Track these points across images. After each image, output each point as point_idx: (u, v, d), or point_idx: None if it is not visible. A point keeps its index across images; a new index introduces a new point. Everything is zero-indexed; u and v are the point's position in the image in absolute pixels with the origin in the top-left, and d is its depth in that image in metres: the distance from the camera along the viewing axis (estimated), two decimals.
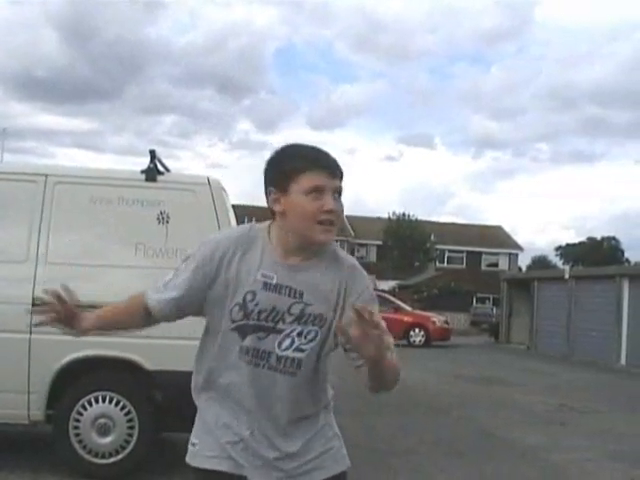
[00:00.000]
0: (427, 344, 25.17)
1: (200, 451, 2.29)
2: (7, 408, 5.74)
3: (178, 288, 2.24)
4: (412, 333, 25.35)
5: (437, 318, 26.54)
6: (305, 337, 2.20)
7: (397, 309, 26.09)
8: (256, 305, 2.18)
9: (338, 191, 2.19)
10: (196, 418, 2.35)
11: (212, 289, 2.22)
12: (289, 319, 2.19)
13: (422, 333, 25.54)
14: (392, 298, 28.05)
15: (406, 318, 25.73)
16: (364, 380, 2.12)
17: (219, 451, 2.25)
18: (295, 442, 2.26)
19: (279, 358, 2.19)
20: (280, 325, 2.19)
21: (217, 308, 2.23)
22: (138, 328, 2.41)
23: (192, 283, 2.22)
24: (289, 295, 2.19)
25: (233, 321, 2.20)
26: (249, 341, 2.19)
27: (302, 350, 2.20)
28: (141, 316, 2.33)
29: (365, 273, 2.33)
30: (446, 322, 26.83)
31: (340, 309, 2.22)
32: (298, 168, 2.16)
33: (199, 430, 2.32)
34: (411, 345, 24.86)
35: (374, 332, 1.94)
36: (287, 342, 2.19)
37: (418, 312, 27.29)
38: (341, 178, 2.21)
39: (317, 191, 2.14)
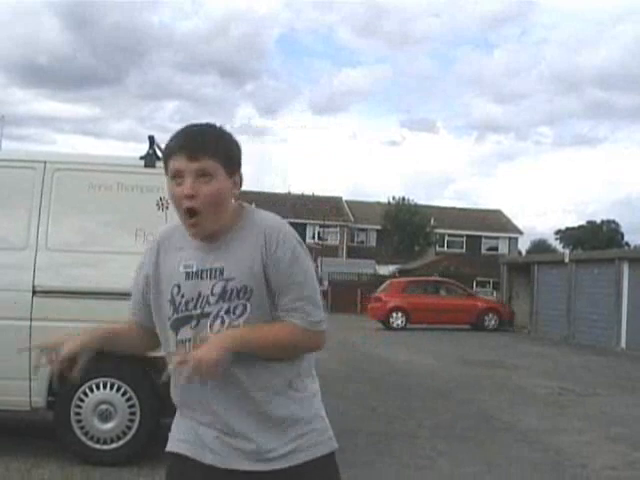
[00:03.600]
0: (499, 328, 26.48)
1: (172, 435, 2.27)
2: (9, 395, 5.76)
3: (136, 293, 2.33)
4: (486, 318, 26.68)
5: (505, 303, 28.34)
6: (234, 313, 2.12)
7: (470, 295, 27.93)
8: (182, 297, 2.16)
9: (203, 172, 2.07)
10: None
11: (149, 292, 2.27)
12: (213, 300, 2.14)
13: (495, 317, 26.85)
14: (462, 285, 29.13)
15: (480, 304, 27.29)
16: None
17: (190, 435, 2.21)
18: (265, 425, 2.16)
19: None
20: (207, 308, 2.14)
21: (154, 310, 2.26)
22: (146, 348, 2.42)
23: (140, 290, 2.31)
24: (210, 277, 2.15)
25: (168, 319, 2.19)
26: (183, 334, 2.16)
27: (235, 326, 2.12)
28: (139, 333, 2.36)
29: (285, 232, 2.17)
30: (511, 306, 28.09)
31: (267, 278, 2.13)
32: (166, 153, 2.13)
33: (176, 414, 2.34)
34: (485, 329, 26.14)
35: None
36: (218, 323, 2.13)
37: (488, 298, 29.08)
38: (216, 158, 2.09)
39: (178, 176, 2.09)
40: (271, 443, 2.15)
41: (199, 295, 2.14)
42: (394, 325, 26.05)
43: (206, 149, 2.08)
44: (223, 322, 2.13)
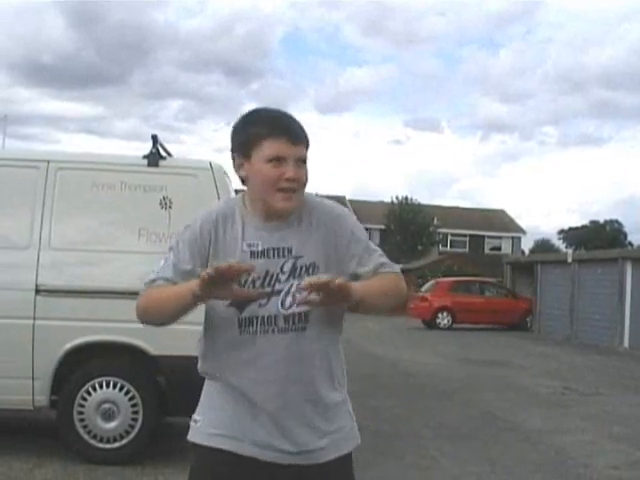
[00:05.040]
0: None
1: (202, 427, 2.25)
2: (12, 394, 5.77)
3: (182, 262, 2.21)
4: (529, 318, 27.24)
5: None
6: (304, 289, 2.15)
7: (514, 296, 27.96)
8: (248, 275, 2.15)
9: (301, 159, 2.19)
10: (202, 394, 2.31)
11: (202, 264, 2.20)
12: (283, 277, 2.19)
13: None
14: (506, 286, 29.43)
15: (523, 304, 27.54)
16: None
17: (223, 429, 2.21)
18: (317, 413, 2.23)
19: (286, 318, 2.18)
20: (277, 286, 2.18)
21: None
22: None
23: (193, 260, 2.21)
24: (278, 256, 2.20)
25: None
26: (249, 311, 2.17)
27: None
28: None
29: (346, 211, 2.35)
30: None
31: (334, 257, 2.24)
32: (260, 134, 2.16)
33: (203, 406, 2.29)
34: (527, 329, 26.60)
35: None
36: (289, 299, 2.18)
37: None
38: (306, 146, 2.22)
39: (278, 159, 2.15)
40: (317, 435, 2.23)
41: (267, 273, 2.18)
42: (440, 325, 26.24)
43: (305, 137, 2.22)
44: (294, 298, 2.18)
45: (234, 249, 2.20)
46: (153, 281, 2.23)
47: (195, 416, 2.29)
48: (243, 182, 2.26)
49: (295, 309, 2.18)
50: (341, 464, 2.29)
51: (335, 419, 2.28)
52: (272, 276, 2.18)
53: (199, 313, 2.30)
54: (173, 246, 2.26)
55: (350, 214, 2.36)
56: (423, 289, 28.61)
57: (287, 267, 2.19)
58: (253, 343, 2.18)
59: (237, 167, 2.24)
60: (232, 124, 2.26)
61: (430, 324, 26.42)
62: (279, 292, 2.18)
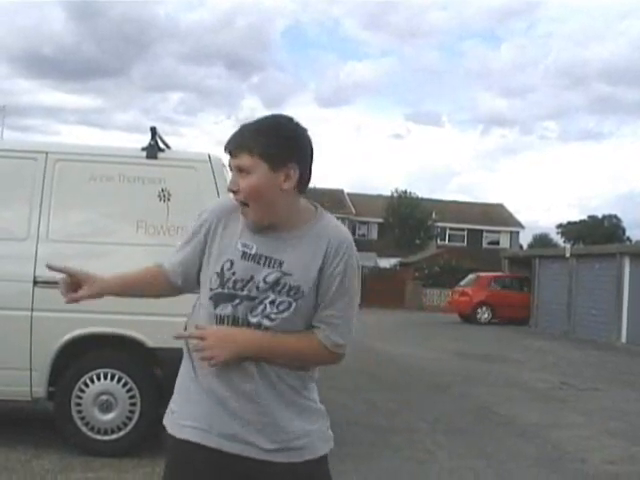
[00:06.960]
0: None
1: (176, 419, 2.25)
2: (9, 385, 5.76)
3: (182, 251, 2.32)
4: None
5: None
6: (277, 307, 2.16)
7: None
8: (233, 274, 2.17)
9: (241, 169, 2.14)
10: (176, 383, 2.32)
11: (202, 259, 2.27)
12: (263, 287, 2.16)
13: None
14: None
15: None
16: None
17: (194, 421, 2.20)
18: (278, 415, 2.19)
19: (250, 325, 2.16)
20: (254, 293, 2.16)
21: (202, 278, 2.28)
22: (157, 294, 2.48)
23: (192, 249, 2.29)
24: (267, 265, 2.17)
25: (211, 289, 2.20)
26: (221, 309, 2.18)
27: (271, 319, 2.16)
28: (161, 283, 2.39)
29: (349, 247, 2.21)
30: None
31: (317, 286, 2.19)
32: None
33: (181, 396, 2.28)
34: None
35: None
36: (259, 309, 2.16)
37: None
38: (258, 154, 2.11)
39: (231, 170, 2.20)
40: (294, 434, 2.21)
41: (251, 278, 2.17)
42: (480, 320, 26.31)
43: (241, 146, 2.15)
44: (264, 310, 2.16)
45: (228, 245, 2.21)
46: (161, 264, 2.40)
47: (172, 405, 2.30)
48: None
49: (259, 319, 2.16)
50: (318, 465, 2.26)
51: (310, 420, 2.25)
52: (254, 282, 2.16)
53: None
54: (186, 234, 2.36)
55: (355, 254, 2.23)
56: (462, 283, 28.68)
57: (271, 278, 2.16)
58: None
59: None
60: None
61: (470, 319, 26.51)
62: (253, 299, 2.16)
